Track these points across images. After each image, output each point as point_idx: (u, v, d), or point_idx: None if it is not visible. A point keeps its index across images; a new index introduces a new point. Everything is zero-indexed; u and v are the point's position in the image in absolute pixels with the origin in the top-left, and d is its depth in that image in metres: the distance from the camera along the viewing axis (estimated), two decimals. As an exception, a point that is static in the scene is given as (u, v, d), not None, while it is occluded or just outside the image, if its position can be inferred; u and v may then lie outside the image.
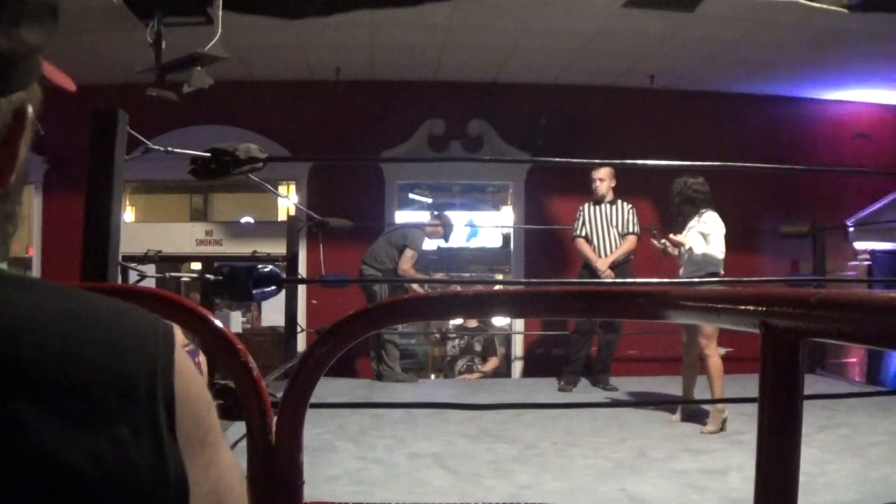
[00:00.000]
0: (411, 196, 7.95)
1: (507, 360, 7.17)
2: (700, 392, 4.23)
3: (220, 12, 4.25)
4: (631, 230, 5.35)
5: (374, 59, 6.47)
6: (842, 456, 3.35)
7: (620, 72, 6.64)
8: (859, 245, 6.78)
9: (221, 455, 0.55)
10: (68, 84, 0.59)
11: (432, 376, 7.41)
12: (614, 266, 5.27)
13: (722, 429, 3.94)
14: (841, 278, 6.22)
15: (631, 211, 5.40)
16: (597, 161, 6.03)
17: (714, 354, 4.10)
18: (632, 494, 2.90)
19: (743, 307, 0.74)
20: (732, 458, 3.31)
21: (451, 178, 7.78)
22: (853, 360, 6.42)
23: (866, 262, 6.52)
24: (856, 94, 7.14)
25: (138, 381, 0.48)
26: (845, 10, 5.01)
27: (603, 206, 5.42)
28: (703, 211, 4.28)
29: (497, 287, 7.12)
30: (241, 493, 0.59)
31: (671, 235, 4.32)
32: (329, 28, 5.66)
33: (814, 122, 7.19)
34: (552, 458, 3.50)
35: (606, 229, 5.37)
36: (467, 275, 8.16)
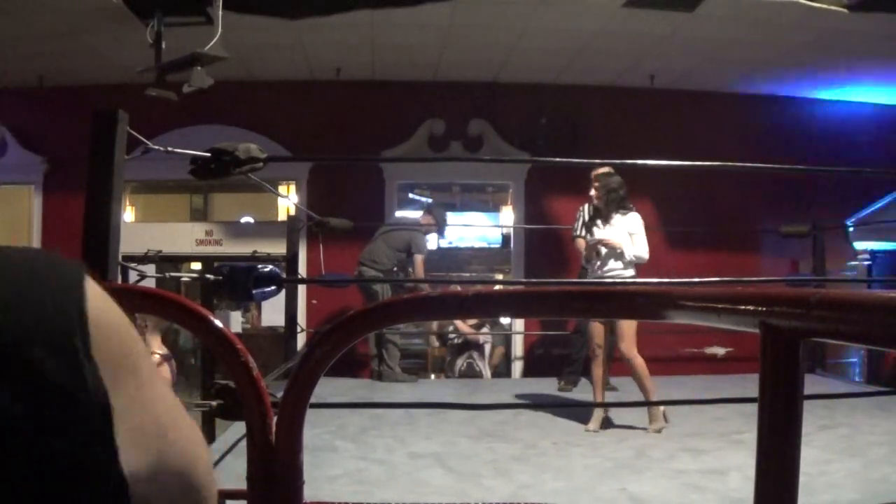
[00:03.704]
0: (411, 196, 7.95)
1: (507, 359, 7.17)
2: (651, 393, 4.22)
3: (220, 12, 4.25)
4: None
5: (374, 59, 6.47)
6: (842, 456, 3.35)
7: (620, 72, 6.64)
8: (859, 245, 6.78)
9: (156, 389, 0.55)
10: None
11: (432, 376, 7.41)
12: None
13: (666, 421, 3.98)
14: (841, 278, 6.22)
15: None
16: (597, 161, 6.03)
17: (636, 356, 4.09)
18: (632, 494, 2.90)
19: (742, 307, 0.74)
20: (732, 458, 3.32)
21: (451, 178, 7.78)
22: (853, 360, 6.42)
23: (866, 262, 6.52)
24: (856, 93, 7.14)
25: (48, 305, 0.47)
26: (845, 10, 5.01)
27: None
28: (628, 211, 4.28)
29: (497, 287, 7.12)
30: (191, 429, 0.58)
31: (605, 239, 4.29)
32: (329, 28, 5.66)
33: (814, 121, 7.19)
34: (552, 458, 3.50)
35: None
36: (467, 275, 8.16)
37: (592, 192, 4.44)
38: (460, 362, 6.68)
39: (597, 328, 4.21)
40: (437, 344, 7.61)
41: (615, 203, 4.31)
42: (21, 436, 0.44)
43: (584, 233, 5.47)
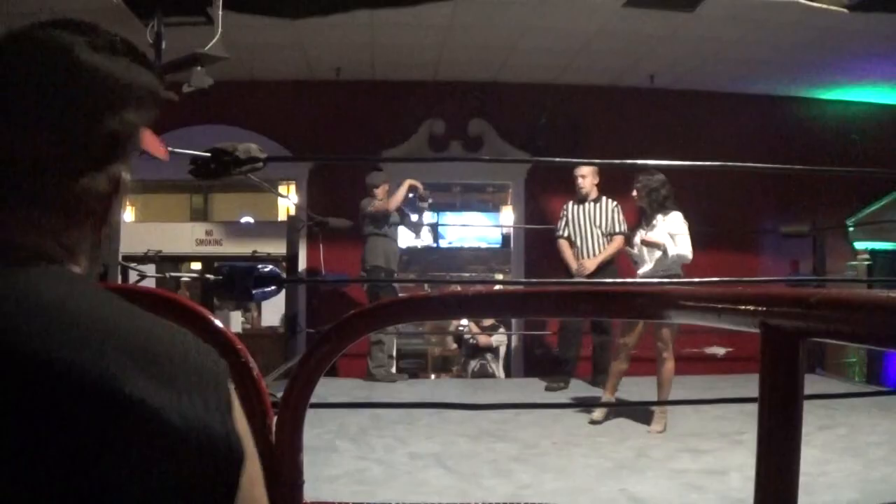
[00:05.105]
0: (411, 196, 7.94)
1: (508, 359, 7.17)
2: (651, 394, 4.22)
3: (220, 12, 4.24)
4: (617, 230, 5.22)
5: (374, 59, 6.47)
6: (842, 456, 3.35)
7: (620, 71, 6.64)
8: (859, 245, 6.79)
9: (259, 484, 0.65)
10: (162, 154, 0.78)
11: (432, 376, 7.42)
12: (600, 268, 5.20)
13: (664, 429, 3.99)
14: (841, 278, 6.23)
15: (616, 209, 5.26)
16: (596, 161, 6.03)
17: (671, 358, 4.10)
18: (632, 494, 2.90)
19: (743, 307, 0.74)
20: (732, 458, 3.32)
21: (451, 178, 7.78)
22: (853, 360, 6.43)
23: (866, 262, 6.53)
24: (856, 93, 7.14)
25: (209, 370, 0.60)
26: (845, 10, 5.01)
27: (586, 204, 5.29)
28: (670, 211, 4.23)
29: (497, 287, 7.11)
30: None
31: (645, 238, 4.25)
32: (329, 28, 5.66)
33: (814, 121, 7.19)
34: (552, 458, 3.50)
35: (589, 229, 5.25)
36: (467, 275, 8.17)
37: (634, 193, 4.37)
38: (474, 364, 6.72)
39: (635, 326, 4.19)
40: (453, 345, 7.63)
41: (657, 203, 4.23)
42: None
43: (566, 233, 5.40)
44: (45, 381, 0.53)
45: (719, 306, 0.77)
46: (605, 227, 5.24)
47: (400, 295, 5.82)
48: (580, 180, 5.29)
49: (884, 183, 6.79)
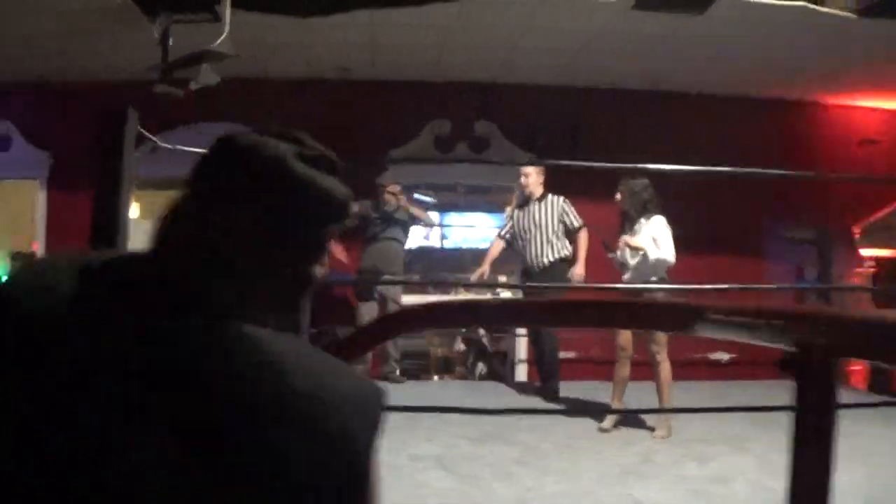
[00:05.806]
0: (416, 196, 7.92)
1: (511, 363, 7.16)
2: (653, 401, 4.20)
3: (228, 10, 4.24)
4: (575, 225, 5.15)
5: (379, 59, 6.46)
6: (846, 464, 3.33)
7: (623, 73, 6.62)
8: (865, 252, 6.76)
9: None
10: (344, 259, 1.50)
11: (435, 377, 7.40)
12: (552, 266, 5.10)
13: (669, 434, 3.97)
14: (848, 286, 6.21)
15: (564, 205, 5.18)
16: (595, 164, 5.98)
17: (665, 361, 4.08)
18: (637, 500, 2.89)
19: (776, 322, 0.73)
20: (738, 464, 3.31)
21: (456, 178, 7.74)
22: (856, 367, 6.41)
23: (871, 270, 6.51)
24: (863, 98, 7.12)
25: (369, 410, 0.80)
26: (853, 16, 5.00)
27: (530, 205, 5.21)
28: (652, 215, 4.22)
29: (505, 293, 7.07)
30: None
31: (628, 241, 4.22)
32: (335, 27, 5.64)
33: (820, 127, 7.17)
34: (556, 462, 3.49)
35: (533, 230, 5.17)
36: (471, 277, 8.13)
37: (618, 196, 4.36)
38: (482, 366, 6.70)
39: (623, 331, 4.18)
40: (460, 347, 7.62)
41: (640, 206, 4.23)
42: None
43: (504, 232, 5.37)
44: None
45: (755, 322, 0.76)
46: (551, 227, 5.15)
47: (400, 297, 5.80)
48: (523, 179, 5.23)
49: (890, 189, 6.76)
